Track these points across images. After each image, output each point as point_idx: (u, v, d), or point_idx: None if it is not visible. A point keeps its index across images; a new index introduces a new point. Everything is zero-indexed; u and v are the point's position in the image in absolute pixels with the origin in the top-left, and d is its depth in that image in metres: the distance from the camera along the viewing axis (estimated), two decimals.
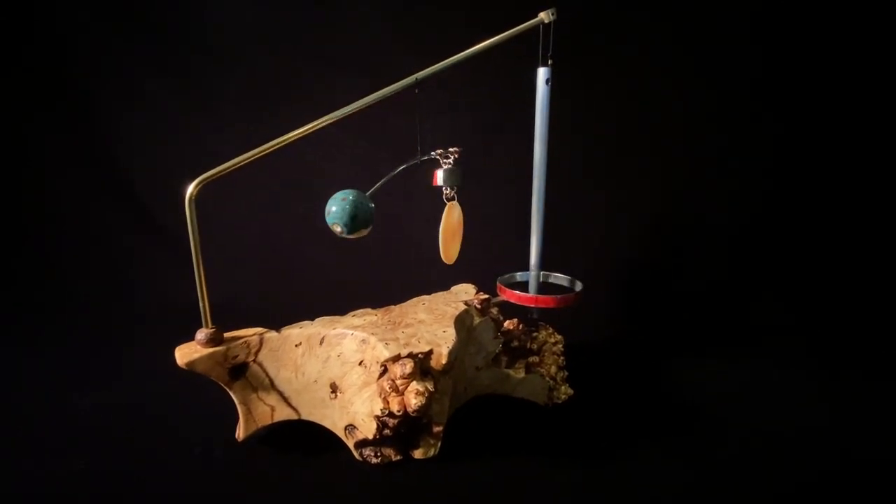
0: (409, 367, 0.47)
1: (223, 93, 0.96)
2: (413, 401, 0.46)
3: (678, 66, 0.90)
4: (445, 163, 0.55)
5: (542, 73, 0.54)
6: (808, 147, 0.92)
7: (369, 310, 0.58)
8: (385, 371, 0.49)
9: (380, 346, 0.49)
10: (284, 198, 0.99)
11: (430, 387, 0.47)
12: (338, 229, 0.47)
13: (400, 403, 0.47)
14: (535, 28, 0.53)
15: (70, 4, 0.91)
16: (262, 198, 0.99)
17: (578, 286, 0.62)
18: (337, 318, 0.56)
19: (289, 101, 0.93)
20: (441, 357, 0.48)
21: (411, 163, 0.54)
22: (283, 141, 0.50)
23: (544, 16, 0.52)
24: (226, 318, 0.52)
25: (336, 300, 0.62)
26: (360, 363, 0.51)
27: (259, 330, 0.53)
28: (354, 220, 0.47)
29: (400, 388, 0.47)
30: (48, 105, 0.96)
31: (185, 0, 0.91)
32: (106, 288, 0.95)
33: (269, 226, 1.00)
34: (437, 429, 0.51)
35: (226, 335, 0.51)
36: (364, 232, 0.49)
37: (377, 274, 0.95)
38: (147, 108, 0.96)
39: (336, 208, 0.47)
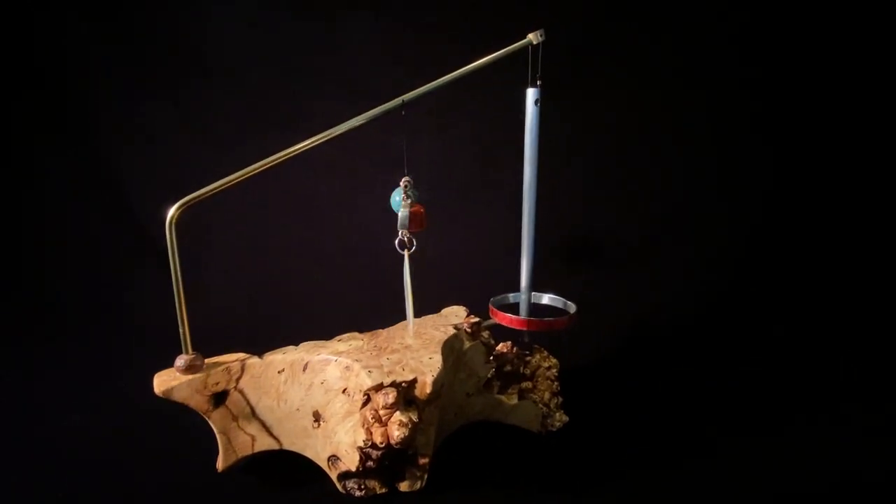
0: (391, 396, 0.45)
1: (220, 113, 0.96)
2: (396, 432, 0.44)
3: (672, 83, 0.89)
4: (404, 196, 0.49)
5: (531, 94, 0.53)
6: (806, 164, 0.90)
7: (356, 334, 0.57)
8: (368, 400, 0.47)
9: (363, 373, 0.48)
10: (272, 219, 0.98)
11: (415, 417, 0.46)
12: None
13: (383, 434, 0.45)
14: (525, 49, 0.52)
15: (68, 25, 0.92)
16: (249, 219, 0.98)
17: (572, 308, 0.60)
18: (322, 342, 0.54)
19: (281, 123, 0.93)
20: (426, 386, 0.47)
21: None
22: (269, 163, 0.49)
23: (533, 37, 0.51)
24: (210, 343, 0.51)
25: (324, 323, 0.61)
26: (343, 391, 0.49)
27: (241, 356, 0.52)
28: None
29: (383, 418, 0.46)
30: (47, 126, 0.96)
31: (183, 20, 0.92)
32: (101, 307, 0.94)
33: (257, 247, 0.99)
34: (423, 461, 0.49)
35: (206, 361, 0.50)
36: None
37: (366, 296, 0.93)
38: (145, 128, 0.97)
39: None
